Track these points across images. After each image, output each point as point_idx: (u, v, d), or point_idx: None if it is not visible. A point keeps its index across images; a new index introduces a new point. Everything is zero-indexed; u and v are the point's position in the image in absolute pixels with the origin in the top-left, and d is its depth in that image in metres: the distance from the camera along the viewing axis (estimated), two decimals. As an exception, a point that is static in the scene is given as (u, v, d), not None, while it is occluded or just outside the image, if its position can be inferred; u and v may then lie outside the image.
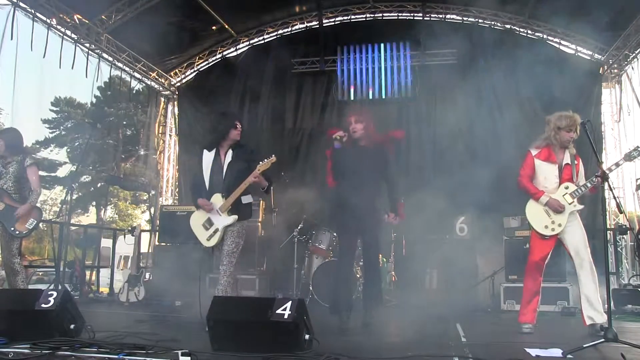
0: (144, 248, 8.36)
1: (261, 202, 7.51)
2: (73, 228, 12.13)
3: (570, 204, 4.12)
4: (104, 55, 8.79)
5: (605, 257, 4.02)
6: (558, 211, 4.11)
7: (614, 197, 4.36)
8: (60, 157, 28.14)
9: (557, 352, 3.10)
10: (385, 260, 7.06)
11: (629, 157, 4.07)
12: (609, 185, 3.69)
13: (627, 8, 7.33)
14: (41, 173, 5.16)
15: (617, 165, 4.10)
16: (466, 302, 6.27)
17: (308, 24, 9.93)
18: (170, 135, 10.69)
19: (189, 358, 2.71)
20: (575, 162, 4.24)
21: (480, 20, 9.27)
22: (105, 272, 9.44)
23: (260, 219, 7.63)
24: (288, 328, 2.95)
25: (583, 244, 4.09)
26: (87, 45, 8.45)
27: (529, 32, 9.09)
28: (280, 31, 10.12)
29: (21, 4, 7.21)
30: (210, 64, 10.40)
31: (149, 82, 10.23)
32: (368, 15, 9.75)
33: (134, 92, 11.45)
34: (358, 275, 6.39)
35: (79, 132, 27.52)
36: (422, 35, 8.89)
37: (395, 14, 9.70)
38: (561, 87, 8.06)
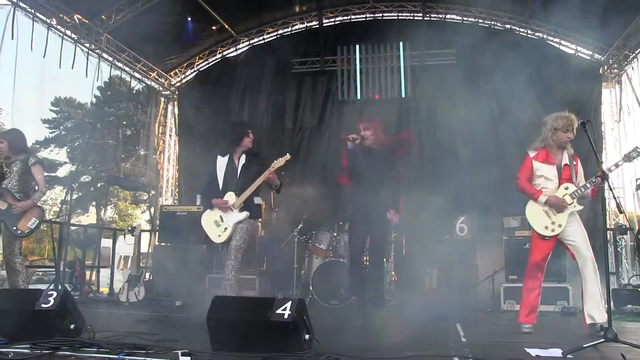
0: (144, 248, 8.36)
1: (262, 202, 7.52)
2: (73, 228, 12.14)
3: (570, 204, 4.12)
4: (104, 55, 8.79)
5: (605, 257, 4.02)
6: (559, 208, 4.10)
7: (614, 197, 4.36)
8: (60, 157, 28.18)
9: (557, 352, 3.10)
10: (385, 260, 7.07)
11: (628, 158, 4.07)
12: (609, 185, 3.70)
13: (627, 8, 7.32)
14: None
15: (617, 166, 4.10)
16: (466, 302, 6.27)
17: (308, 24, 9.93)
18: (170, 135, 10.68)
19: (189, 358, 2.71)
20: (574, 162, 4.25)
21: (480, 20, 9.27)
22: (105, 272, 9.44)
23: (260, 219, 7.63)
24: (288, 328, 2.95)
25: (584, 244, 4.09)
26: (87, 45, 8.44)
27: (529, 32, 9.09)
28: (280, 31, 10.11)
29: (21, 4, 7.21)
30: (210, 64, 10.39)
31: (149, 82, 10.23)
32: (368, 15, 9.75)
33: (134, 92, 11.47)
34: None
35: (79, 132, 27.54)
36: (422, 35, 8.89)
37: (395, 14, 9.70)
38: (561, 87, 8.06)
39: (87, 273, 8.42)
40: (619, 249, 7.98)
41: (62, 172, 27.56)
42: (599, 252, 4.14)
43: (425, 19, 9.24)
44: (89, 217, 28.19)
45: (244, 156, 4.60)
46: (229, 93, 9.75)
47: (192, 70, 10.53)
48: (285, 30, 10.08)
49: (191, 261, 6.76)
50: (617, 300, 5.92)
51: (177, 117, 10.51)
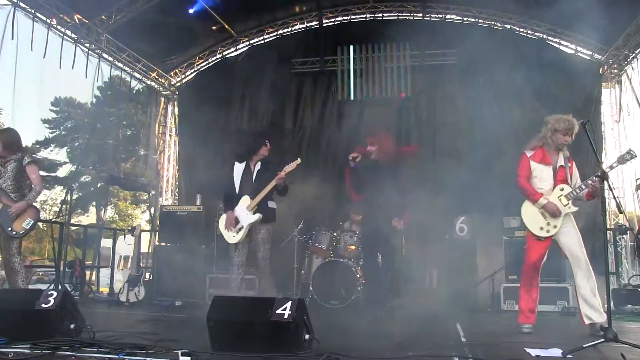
0: (144, 248, 8.36)
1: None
2: (73, 228, 12.14)
3: (565, 205, 4.14)
4: (104, 55, 8.79)
5: (605, 257, 4.03)
6: (555, 215, 4.12)
7: (614, 197, 4.35)
8: (60, 157, 28.16)
9: (557, 352, 3.10)
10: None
11: (622, 160, 4.08)
12: (609, 185, 3.69)
13: (627, 8, 7.32)
14: (41, 173, 5.16)
15: (611, 167, 4.11)
16: (466, 302, 6.28)
17: (308, 24, 9.93)
18: (170, 135, 10.68)
19: (189, 358, 2.71)
20: (569, 164, 4.26)
21: (480, 20, 9.27)
22: (105, 272, 9.45)
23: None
24: (288, 328, 2.95)
25: (578, 244, 4.10)
26: (87, 45, 8.44)
27: (529, 32, 9.08)
28: (280, 31, 10.11)
29: (21, 4, 7.21)
30: (210, 64, 10.39)
31: (149, 82, 10.23)
32: (368, 15, 9.74)
33: (134, 92, 11.41)
34: (358, 275, 6.40)
35: (79, 132, 27.53)
36: (422, 35, 8.88)
37: (395, 14, 9.69)
38: (561, 87, 8.06)
39: (87, 273, 8.42)
40: (619, 249, 7.97)
41: (62, 172, 27.58)
42: (599, 252, 4.15)
43: (425, 19, 9.23)
44: (89, 217, 28.20)
45: (259, 163, 4.97)
46: (229, 93, 9.74)
47: (192, 70, 10.53)
48: (285, 30, 10.08)
49: (191, 261, 6.75)
50: (617, 300, 5.92)
51: (177, 117, 10.51)
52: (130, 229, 7.68)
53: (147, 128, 11.39)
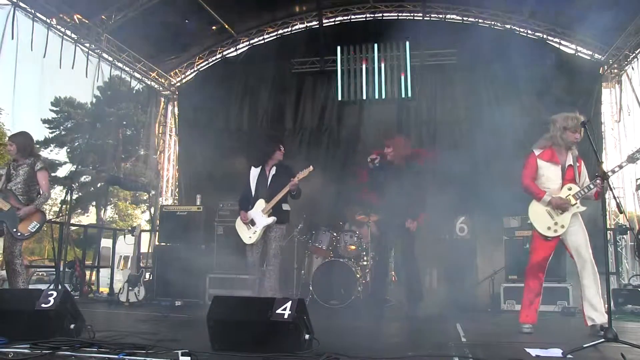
0: (144, 248, 8.36)
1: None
2: (73, 228, 12.14)
3: (573, 205, 4.11)
4: (104, 55, 8.79)
5: (605, 257, 4.02)
6: (562, 208, 4.09)
7: (614, 197, 4.36)
8: (60, 157, 28.19)
9: (557, 352, 3.10)
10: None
11: (632, 159, 4.04)
12: (609, 185, 3.69)
13: (627, 8, 7.32)
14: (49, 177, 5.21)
15: (620, 167, 4.09)
16: (466, 302, 6.28)
17: (308, 24, 9.93)
18: (170, 135, 10.68)
19: (189, 358, 2.71)
20: (578, 163, 4.23)
21: (480, 20, 9.27)
22: (105, 272, 9.45)
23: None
24: (288, 328, 2.95)
25: (585, 245, 4.08)
26: (87, 45, 8.44)
27: (529, 32, 9.08)
28: (280, 31, 10.11)
29: (21, 4, 7.21)
30: (210, 64, 10.39)
31: (149, 82, 10.23)
32: (368, 15, 9.74)
33: (134, 92, 11.42)
34: (358, 275, 6.40)
35: (79, 132, 27.53)
36: (422, 35, 8.88)
37: (395, 14, 9.69)
38: (561, 87, 8.07)
39: (87, 273, 8.41)
40: (619, 249, 7.97)
41: (62, 172, 27.58)
42: (599, 252, 4.14)
43: (425, 19, 9.23)
44: (89, 217, 28.21)
45: (274, 168, 5.18)
46: (229, 93, 9.75)
47: (192, 70, 10.53)
48: (285, 30, 10.07)
49: (191, 261, 6.75)
50: (617, 300, 5.92)
51: (177, 117, 10.51)
52: (130, 229, 7.67)
53: (147, 128, 11.40)
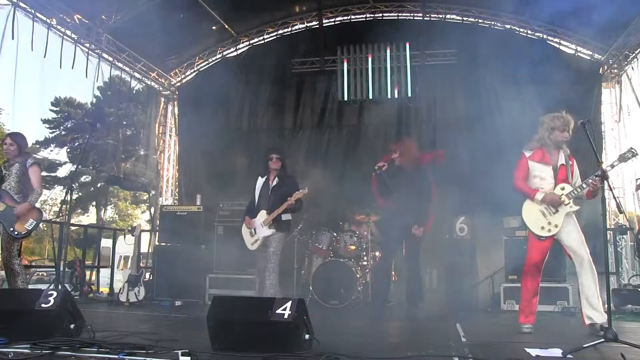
0: (144, 248, 8.36)
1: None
2: (73, 228, 12.14)
3: (566, 204, 4.12)
4: (104, 55, 8.78)
5: (605, 257, 4.02)
6: (556, 205, 4.10)
7: (614, 197, 4.35)
8: (60, 157, 28.20)
9: (557, 352, 3.10)
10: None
11: (623, 158, 4.05)
12: (609, 185, 3.69)
13: (627, 8, 7.32)
14: (42, 173, 5.20)
15: (612, 166, 4.09)
16: (466, 302, 6.28)
17: (308, 24, 9.93)
18: (170, 135, 10.68)
19: (189, 358, 2.71)
20: (570, 162, 4.24)
21: (480, 20, 9.27)
22: (105, 272, 9.44)
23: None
24: (288, 328, 2.95)
25: (581, 244, 4.09)
26: (87, 45, 8.44)
27: (529, 32, 9.08)
28: (280, 31, 10.11)
29: (21, 4, 7.20)
30: (210, 64, 10.39)
31: (149, 82, 10.22)
32: (368, 15, 9.74)
33: (134, 92, 11.42)
34: (358, 275, 6.40)
35: (79, 132, 27.54)
36: (422, 35, 8.88)
37: (395, 14, 9.69)
38: (561, 87, 8.05)
39: (87, 273, 8.42)
40: (619, 249, 7.97)
41: (62, 172, 27.60)
42: (599, 252, 4.15)
43: (425, 19, 9.23)
44: (89, 217, 28.22)
45: (276, 179, 5.37)
46: (229, 93, 9.74)
47: (192, 70, 10.53)
48: (285, 30, 10.07)
49: (191, 261, 6.75)
50: (617, 300, 5.92)
51: (177, 117, 10.51)
52: (130, 229, 7.67)
53: (147, 128, 11.39)
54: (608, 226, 7.07)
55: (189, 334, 4.11)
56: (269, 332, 3.00)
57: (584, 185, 4.07)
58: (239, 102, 9.74)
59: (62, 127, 28.51)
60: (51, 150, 28.08)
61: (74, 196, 24.27)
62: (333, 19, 9.79)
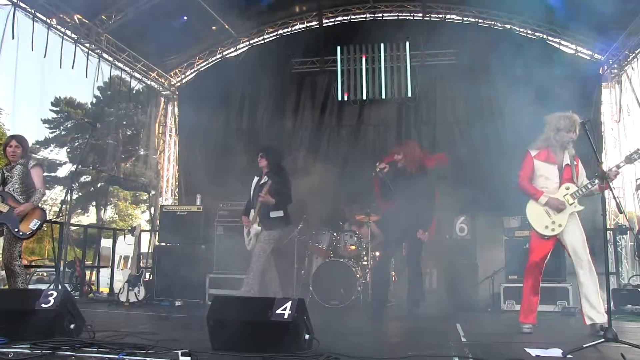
0: (144, 248, 8.36)
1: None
2: (73, 228, 12.14)
3: (570, 204, 4.11)
4: (104, 55, 8.79)
5: (605, 257, 4.02)
6: (559, 210, 4.10)
7: (614, 197, 4.35)
8: (60, 157, 28.18)
9: (557, 352, 3.10)
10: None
11: (629, 160, 4.04)
12: (609, 185, 3.69)
13: (627, 8, 7.32)
14: (44, 173, 5.22)
15: (618, 167, 4.10)
16: (466, 302, 6.27)
17: (308, 24, 9.93)
18: (170, 135, 10.68)
19: (189, 358, 2.71)
20: (575, 162, 4.24)
21: (480, 20, 9.27)
22: (105, 272, 9.44)
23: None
24: (288, 328, 2.95)
25: (582, 244, 4.09)
26: (87, 45, 8.44)
27: (529, 32, 9.08)
28: (280, 31, 10.11)
29: (21, 4, 7.20)
30: (210, 64, 10.39)
31: (149, 82, 10.23)
32: (368, 15, 9.74)
33: (134, 92, 11.42)
34: (358, 275, 6.40)
35: (79, 132, 27.53)
36: (422, 35, 8.88)
37: (395, 14, 9.69)
38: (561, 87, 8.05)
39: (87, 273, 8.41)
40: (619, 249, 7.97)
41: (62, 172, 27.58)
42: (599, 252, 4.14)
43: (425, 19, 9.23)
44: (89, 217, 28.21)
45: (265, 177, 5.38)
46: (229, 93, 9.74)
47: (192, 70, 10.53)
48: (285, 30, 10.08)
49: (191, 261, 6.75)
50: (617, 300, 5.92)
51: (177, 117, 10.51)
52: (130, 229, 7.67)
53: (147, 128, 11.39)
54: (608, 226, 7.07)
55: (189, 334, 4.10)
56: (269, 332, 3.00)
57: (589, 186, 4.07)
58: (238, 102, 9.74)
59: (62, 127, 28.51)
60: (51, 150, 28.10)
61: (74, 196, 24.26)
62: (333, 19, 9.80)
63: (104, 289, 9.04)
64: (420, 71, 9.01)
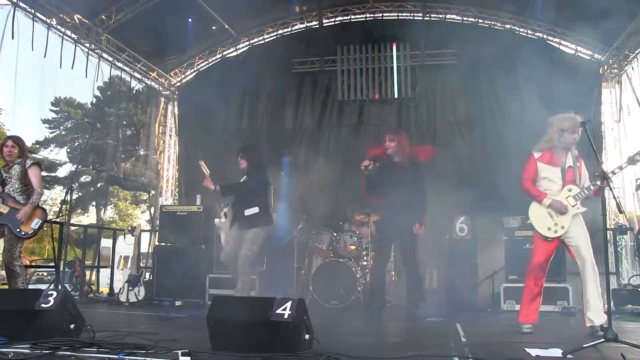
0: (144, 248, 8.36)
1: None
2: (73, 228, 12.14)
3: (573, 206, 4.11)
4: (104, 55, 8.79)
5: (605, 257, 4.02)
6: (561, 212, 4.10)
7: (614, 197, 4.35)
8: (60, 157, 28.14)
9: (557, 352, 3.10)
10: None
11: (632, 161, 4.03)
12: (609, 186, 3.69)
13: (627, 8, 7.32)
14: (42, 173, 5.22)
15: (621, 168, 4.08)
16: (466, 302, 6.27)
17: (308, 24, 9.93)
18: (170, 135, 10.68)
19: (189, 358, 2.71)
20: (578, 164, 4.23)
21: (480, 20, 9.27)
22: (105, 272, 9.44)
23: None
24: (288, 328, 2.95)
25: (585, 246, 4.09)
26: (87, 45, 8.44)
27: (529, 32, 9.08)
28: (280, 31, 10.11)
29: (21, 4, 7.20)
30: (210, 64, 10.39)
31: (149, 82, 10.23)
32: (368, 15, 9.74)
33: (134, 92, 11.44)
34: (358, 275, 6.40)
35: (79, 132, 27.52)
36: (422, 35, 8.88)
37: (395, 14, 9.69)
38: (561, 87, 8.06)
39: (87, 273, 8.42)
40: (619, 249, 7.97)
41: (62, 172, 27.57)
42: (599, 252, 4.14)
43: (425, 19, 9.23)
44: (89, 217, 28.19)
45: (245, 177, 5.38)
46: (229, 93, 9.74)
47: (192, 70, 10.53)
48: (285, 30, 10.08)
49: (191, 261, 6.75)
50: (617, 300, 5.92)
51: (177, 117, 10.51)
52: (130, 229, 7.67)
53: (147, 128, 11.41)
54: (608, 226, 7.07)
55: (189, 334, 4.10)
56: (268, 332, 3.00)
57: (592, 187, 4.07)
58: (239, 102, 9.74)
59: (62, 127, 28.48)
60: (51, 150, 28.07)
61: (74, 196, 24.26)
62: (333, 19, 9.80)
63: (104, 289, 9.04)
64: (420, 71, 9.01)
